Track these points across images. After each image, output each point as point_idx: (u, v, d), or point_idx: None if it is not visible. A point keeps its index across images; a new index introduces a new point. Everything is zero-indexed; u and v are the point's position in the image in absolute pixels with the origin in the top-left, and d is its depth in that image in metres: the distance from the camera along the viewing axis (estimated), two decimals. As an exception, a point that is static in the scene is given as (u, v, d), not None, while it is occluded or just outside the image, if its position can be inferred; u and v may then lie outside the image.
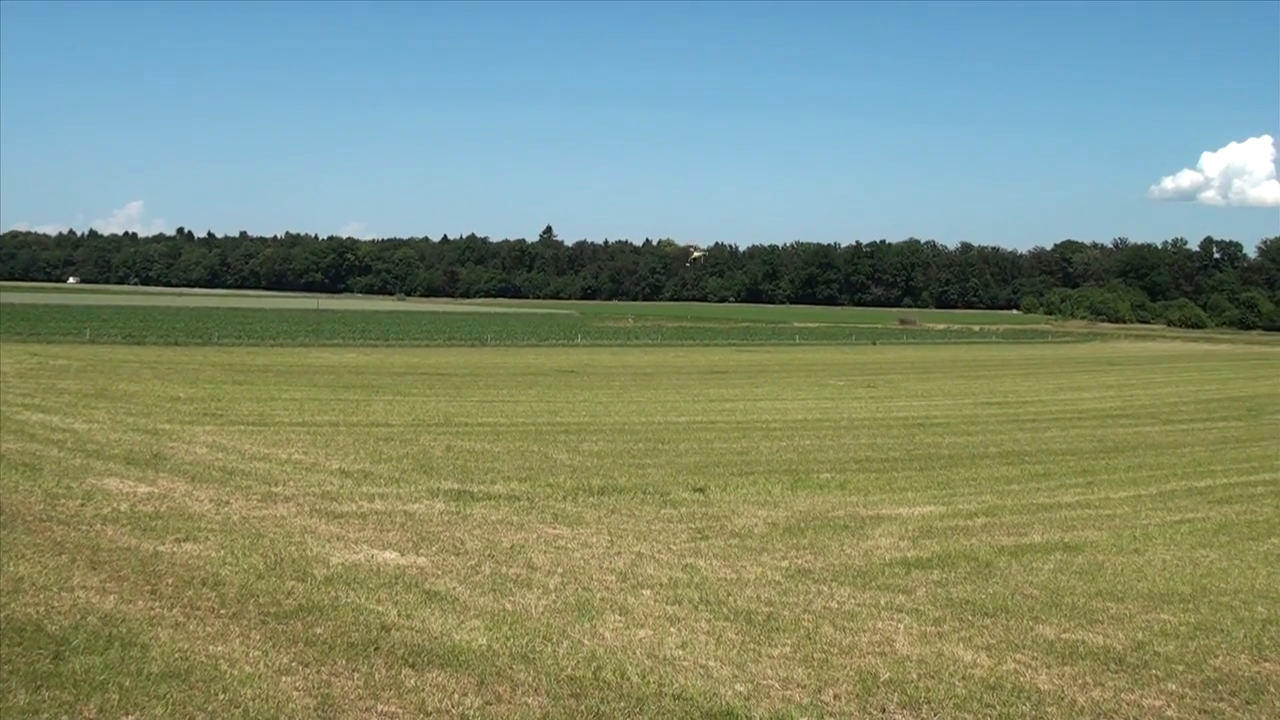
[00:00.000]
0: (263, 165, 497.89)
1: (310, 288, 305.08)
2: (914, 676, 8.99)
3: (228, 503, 15.78)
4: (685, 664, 9.03)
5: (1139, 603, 11.97)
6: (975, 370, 68.59)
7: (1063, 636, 10.35)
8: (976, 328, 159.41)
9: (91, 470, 18.24)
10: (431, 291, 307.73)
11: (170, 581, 10.90)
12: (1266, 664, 9.82)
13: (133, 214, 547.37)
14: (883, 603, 11.41)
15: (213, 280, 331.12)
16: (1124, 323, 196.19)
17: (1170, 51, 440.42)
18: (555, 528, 15.03)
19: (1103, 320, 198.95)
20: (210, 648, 8.87)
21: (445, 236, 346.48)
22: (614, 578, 12.09)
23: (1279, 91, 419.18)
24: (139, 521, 14.00)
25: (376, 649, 9.02)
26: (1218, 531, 17.23)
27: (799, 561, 13.47)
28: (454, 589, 11.16)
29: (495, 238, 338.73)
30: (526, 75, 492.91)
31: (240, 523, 14.30)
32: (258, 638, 9.18)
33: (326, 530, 14.07)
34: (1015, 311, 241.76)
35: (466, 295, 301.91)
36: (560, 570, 12.33)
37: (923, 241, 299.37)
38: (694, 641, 9.65)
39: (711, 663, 9.09)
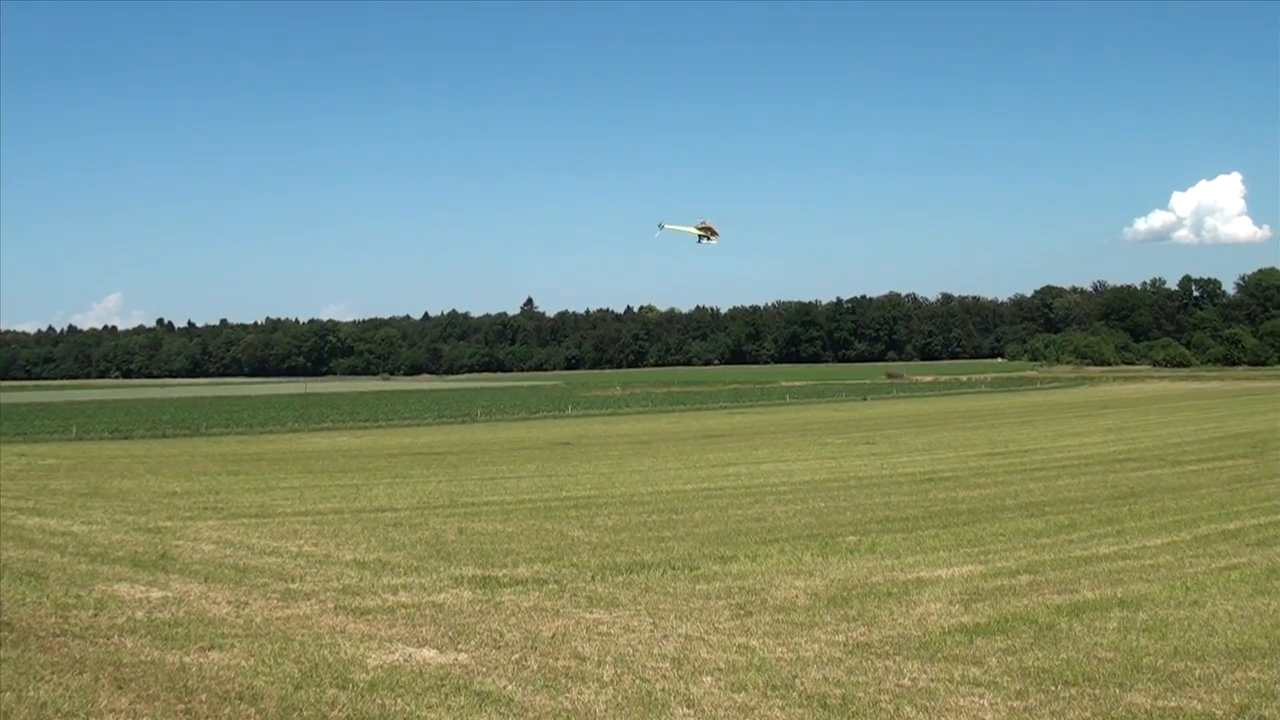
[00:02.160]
0: (241, 252, 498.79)
1: (293, 372, 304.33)
2: (1019, 760, 8.40)
3: (247, 604, 15.12)
4: (774, 761, 8.43)
5: (1220, 661, 11.41)
6: (971, 421, 68.20)
7: (1158, 705, 9.78)
8: (964, 378, 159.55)
9: (99, 576, 17.55)
10: (415, 369, 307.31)
11: (204, 699, 10.25)
12: (1378, 722, 9.26)
13: (111, 307, 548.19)
14: (956, 676, 10.82)
15: (195, 369, 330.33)
16: (1109, 365, 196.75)
17: (1136, 93, 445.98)
18: (592, 612, 14.41)
19: (1088, 364, 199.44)
20: (261, 773, 8.24)
21: (426, 314, 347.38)
22: (668, 664, 11.48)
23: (1245, 129, 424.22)
24: (158, 630, 13.34)
25: (441, 764, 8.41)
26: (1269, 576, 16.68)
27: (854, 635, 12.88)
28: (505, 688, 10.54)
29: (476, 312, 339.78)
30: (500, 150, 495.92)
31: (264, 625, 13.64)
32: (311, 759, 8.56)
33: (356, 629, 13.42)
34: (1000, 359, 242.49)
35: (450, 371, 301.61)
36: (610, 659, 11.71)
37: (903, 294, 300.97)
38: (775, 734, 9.05)
39: (801, 758, 8.49)
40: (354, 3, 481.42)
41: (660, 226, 59.73)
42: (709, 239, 59.95)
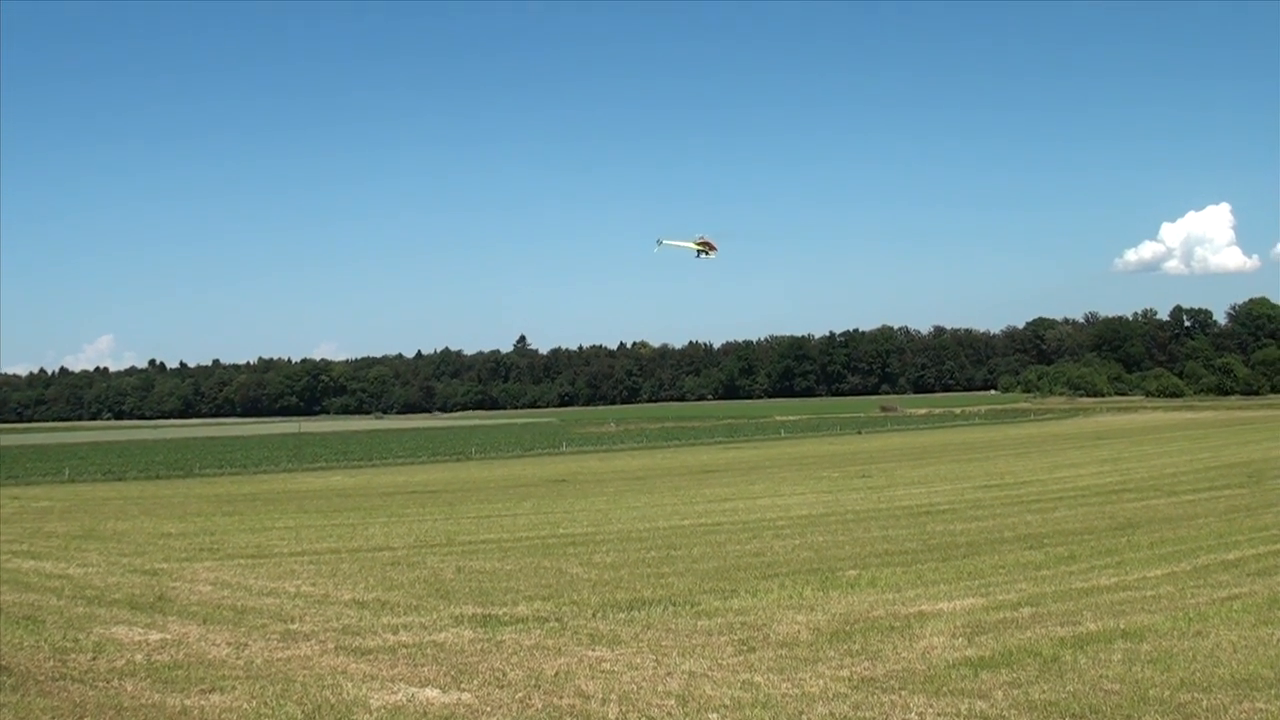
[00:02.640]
0: (233, 292, 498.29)
1: (285, 411, 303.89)
2: (1030, 795, 8.35)
3: (246, 645, 15.02)
4: (785, 799, 8.37)
5: (1228, 692, 11.37)
6: (966, 453, 68.18)
7: (1167, 737, 9.72)
8: (958, 410, 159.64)
9: (96, 619, 17.46)
10: (408, 408, 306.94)
11: (208, 742, 10.18)
12: (1389, 753, 9.22)
13: (103, 349, 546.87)
14: (963, 710, 10.79)
15: (187, 410, 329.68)
16: (1102, 396, 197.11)
17: (1125, 125, 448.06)
18: (594, 649, 14.35)
19: (1081, 395, 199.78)
20: (269, 817, 8.16)
21: (419, 352, 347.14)
22: (673, 702, 11.43)
23: (1233, 160, 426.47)
24: (158, 673, 13.25)
25: (452, 806, 8.34)
26: (1271, 607, 16.65)
27: (858, 670, 12.83)
28: (510, 728, 10.47)
29: (469, 350, 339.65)
30: (492, 187, 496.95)
31: (265, 667, 13.56)
32: (318, 802, 8.48)
33: (357, 669, 13.34)
34: (993, 391, 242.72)
35: (444, 409, 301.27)
36: (615, 697, 11.66)
37: (896, 328, 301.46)
38: (784, 771, 8.99)
39: (812, 795, 8.43)
40: (343, 41, 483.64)
41: (659, 242, 59.93)
42: (707, 253, 60.27)
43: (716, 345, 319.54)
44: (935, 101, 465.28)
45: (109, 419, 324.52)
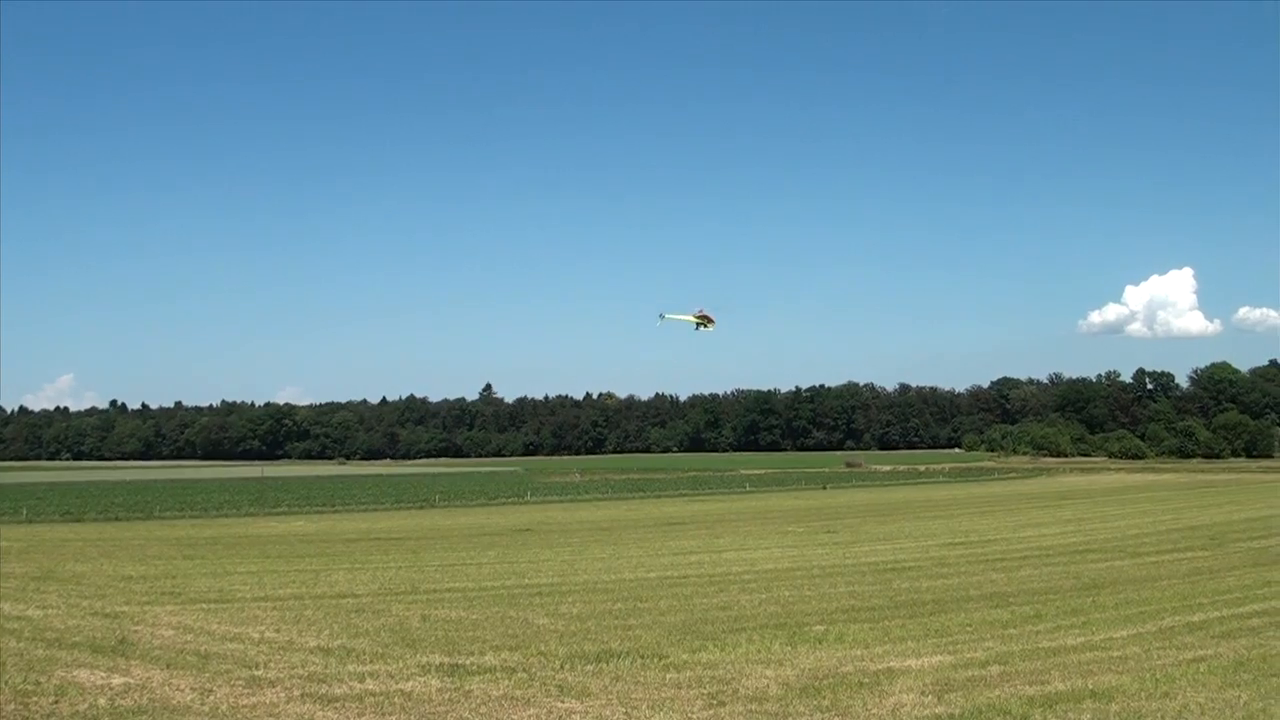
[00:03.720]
0: (196, 334, 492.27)
1: (247, 455, 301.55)
2: None
3: (211, 691, 14.86)
4: None
5: (1196, 754, 11.41)
6: (931, 510, 68.32)
7: (1138, 798, 9.75)
8: (923, 467, 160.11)
9: (58, 662, 17.22)
10: (372, 454, 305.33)
11: (174, 788, 10.04)
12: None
13: (63, 388, 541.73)
14: (935, 768, 10.76)
15: (147, 452, 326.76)
16: (1066, 456, 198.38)
17: (1089, 189, 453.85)
18: (564, 701, 14.28)
19: (1045, 454, 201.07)
20: None
21: (384, 398, 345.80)
22: (645, 756, 11.36)
23: (1196, 225, 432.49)
24: (121, 718, 13.09)
25: None
26: (1236, 669, 16.77)
27: (828, 726, 12.80)
28: (481, 779, 10.38)
29: (434, 397, 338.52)
30: (460, 237, 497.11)
31: (230, 714, 13.43)
32: None
33: (324, 717, 13.25)
34: (957, 450, 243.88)
35: (407, 456, 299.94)
36: (585, 750, 11.58)
37: (861, 384, 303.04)
38: (758, 826, 8.95)
39: None
40: (307, 87, 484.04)
41: (661, 317, 61.12)
42: (706, 326, 61.49)
43: (683, 398, 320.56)
44: (904, 163, 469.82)
45: (68, 459, 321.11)
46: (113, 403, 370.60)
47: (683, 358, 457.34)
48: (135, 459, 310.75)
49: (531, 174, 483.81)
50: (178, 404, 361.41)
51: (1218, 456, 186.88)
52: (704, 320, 61.79)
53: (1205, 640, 19.76)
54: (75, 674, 16.10)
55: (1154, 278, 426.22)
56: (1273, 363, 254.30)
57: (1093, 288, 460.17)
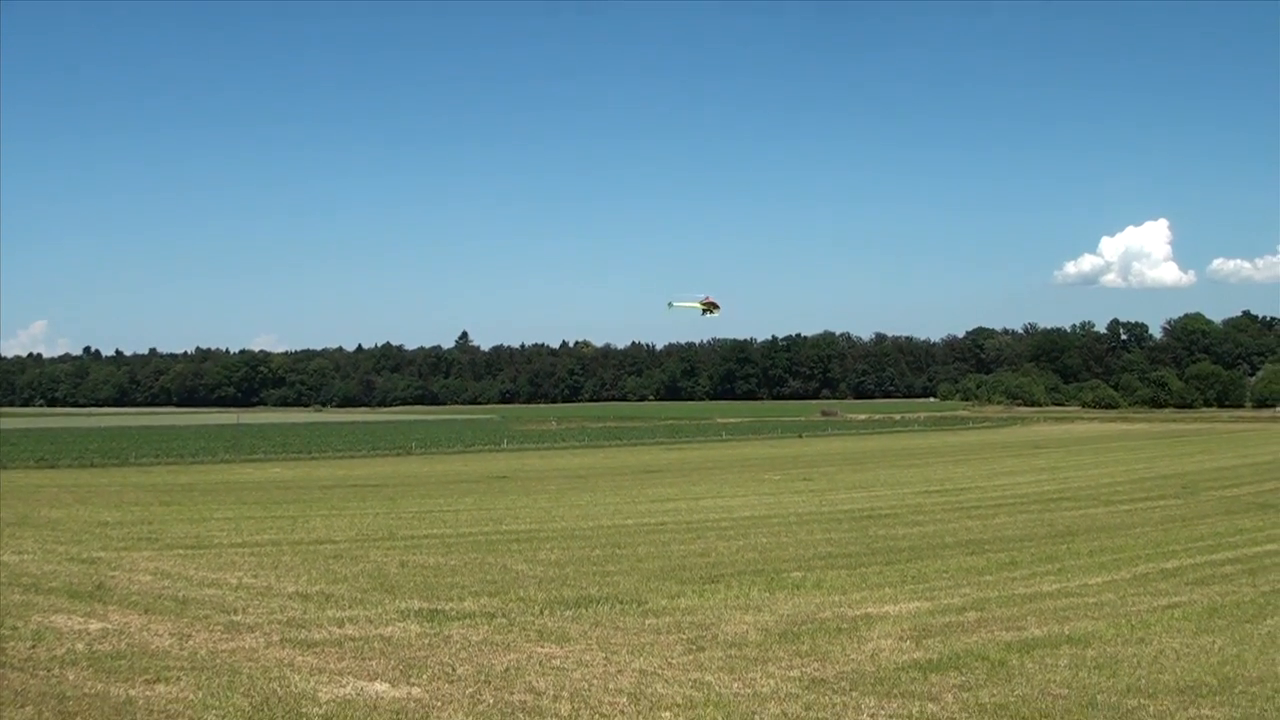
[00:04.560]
0: (170, 281, 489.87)
1: (223, 402, 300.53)
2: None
3: (190, 636, 14.80)
4: (742, 797, 8.37)
5: (1172, 698, 11.53)
6: (906, 459, 68.73)
7: (1116, 741, 9.83)
8: (898, 416, 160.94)
9: (35, 607, 17.12)
10: (348, 401, 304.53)
11: (153, 733, 9.99)
12: (1333, 760, 9.38)
13: (37, 334, 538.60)
14: (914, 713, 10.85)
15: (122, 399, 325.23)
16: (1039, 405, 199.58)
17: (1066, 139, 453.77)
18: (544, 646, 14.29)
19: (1019, 404, 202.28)
20: (221, 810, 8.02)
21: (360, 346, 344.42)
22: (625, 699, 11.39)
23: (1172, 176, 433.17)
24: (100, 663, 13.02)
25: (405, 801, 8.24)
26: (1210, 615, 16.96)
27: (808, 670, 12.88)
28: (462, 723, 10.38)
29: (410, 345, 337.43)
30: (434, 181, 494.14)
31: (209, 658, 13.36)
32: (270, 795, 8.35)
33: (304, 662, 13.19)
34: (932, 399, 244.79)
35: (383, 404, 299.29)
36: (566, 694, 11.60)
37: (838, 334, 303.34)
38: (740, 770, 8.98)
39: (769, 794, 8.43)
40: (287, 32, 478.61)
41: (670, 304, 63.22)
42: (712, 312, 63.15)
43: (659, 346, 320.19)
44: (882, 112, 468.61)
45: (41, 406, 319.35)
46: (86, 349, 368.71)
47: (659, 306, 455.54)
48: (110, 406, 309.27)
49: (510, 120, 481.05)
50: (152, 351, 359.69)
51: (1190, 406, 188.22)
52: (710, 306, 63.29)
53: (1179, 587, 19.95)
54: (52, 619, 16.02)
55: (1129, 229, 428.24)
56: (1245, 314, 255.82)
57: (1068, 238, 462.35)
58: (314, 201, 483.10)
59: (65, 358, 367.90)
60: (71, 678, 12.28)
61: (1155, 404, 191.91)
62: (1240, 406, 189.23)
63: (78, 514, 34.57)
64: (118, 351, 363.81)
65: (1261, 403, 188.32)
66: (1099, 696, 11.56)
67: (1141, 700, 11.42)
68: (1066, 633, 15.20)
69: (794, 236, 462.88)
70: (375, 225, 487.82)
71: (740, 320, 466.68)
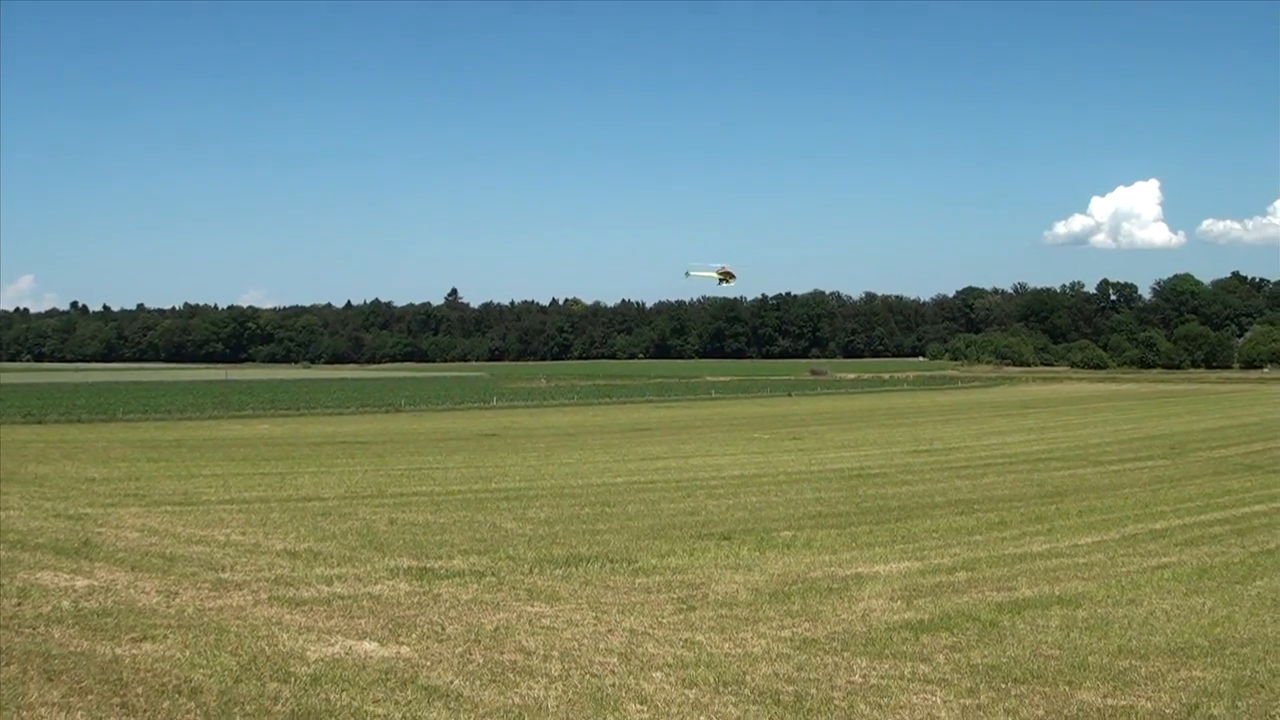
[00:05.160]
0: (158, 236, 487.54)
1: (211, 358, 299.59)
2: (979, 759, 8.36)
3: (177, 593, 14.71)
4: (734, 759, 8.31)
5: (1164, 660, 11.50)
6: (895, 418, 68.76)
7: (1108, 703, 9.82)
8: (887, 376, 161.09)
9: (20, 563, 17.00)
10: (336, 358, 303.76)
11: (140, 692, 9.89)
12: (1326, 722, 9.36)
13: (23, 289, 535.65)
14: (906, 673, 10.80)
15: (109, 354, 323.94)
16: (1028, 365, 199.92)
17: (1058, 99, 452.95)
18: (533, 605, 14.22)
19: (1008, 364, 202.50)
20: (207, 770, 7.94)
21: (349, 302, 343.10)
22: (616, 659, 11.33)
23: (1163, 137, 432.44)
24: (86, 620, 12.92)
25: (395, 761, 8.17)
26: (1200, 576, 16.95)
27: (799, 630, 12.84)
28: (452, 683, 10.30)
29: (399, 302, 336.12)
30: (424, 136, 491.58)
31: (196, 616, 13.27)
32: (258, 755, 8.27)
33: (292, 620, 13.10)
34: (921, 358, 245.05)
35: (372, 361, 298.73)
36: (556, 654, 11.53)
37: (827, 293, 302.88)
38: (732, 731, 8.93)
39: (761, 756, 8.38)
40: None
41: (687, 273, 64.89)
42: (728, 281, 64.53)
43: (649, 304, 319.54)
44: (873, 71, 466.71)
45: (28, 361, 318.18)
46: (74, 304, 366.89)
47: (649, 263, 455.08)
48: (97, 361, 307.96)
49: (501, 76, 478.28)
50: (140, 306, 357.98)
51: (1178, 367, 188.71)
52: (726, 275, 64.64)
53: (1168, 548, 19.95)
54: (39, 576, 15.90)
55: (1120, 189, 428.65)
56: (1234, 275, 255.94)
57: (1059, 198, 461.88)
58: (304, 156, 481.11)
59: (52, 313, 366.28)
60: (57, 635, 12.18)
61: (1144, 364, 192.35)
62: (1228, 367, 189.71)
63: (64, 470, 34.42)
64: (105, 307, 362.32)
65: (1249, 364, 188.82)
66: (1090, 658, 11.53)
67: (1133, 661, 11.39)
68: (1057, 593, 15.19)
69: (784, 194, 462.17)
70: (365, 180, 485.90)
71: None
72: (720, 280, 65.26)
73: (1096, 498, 27.88)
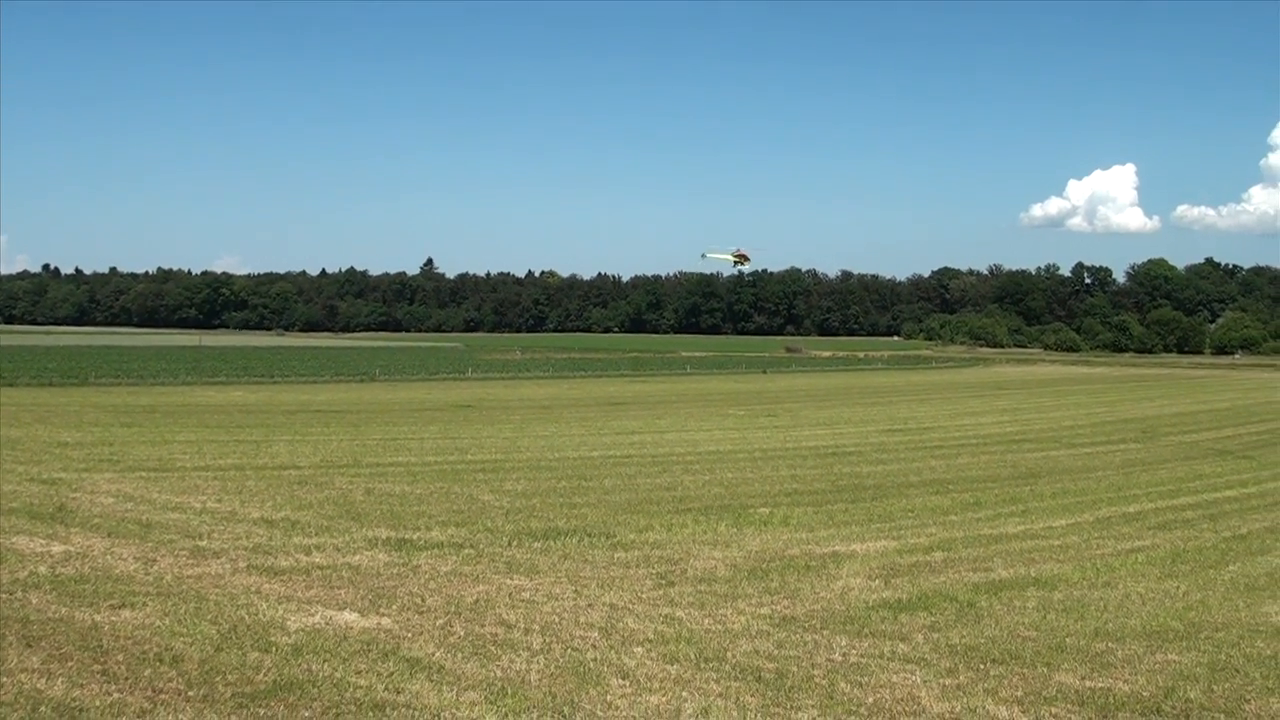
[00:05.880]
0: (132, 199, 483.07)
1: (184, 324, 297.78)
2: (959, 739, 8.42)
3: (155, 561, 14.63)
4: (719, 736, 8.35)
5: (1140, 643, 11.61)
6: (869, 397, 68.96)
7: (1086, 685, 9.90)
8: (862, 354, 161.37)
9: (-6, 528, 16.87)
10: (310, 326, 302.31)
11: (120, 659, 9.84)
12: (1301, 707, 9.47)
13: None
14: (886, 652, 10.86)
15: (81, 318, 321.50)
16: (1002, 347, 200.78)
17: (1037, 81, 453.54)
18: (513, 578, 14.22)
19: (982, 345, 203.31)
20: (191, 739, 7.91)
21: (324, 270, 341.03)
22: (597, 634, 11.34)
23: (1141, 121, 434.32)
24: (64, 586, 12.84)
25: (380, 734, 8.16)
26: (1174, 560, 17.11)
27: (778, 608, 12.89)
28: (434, 654, 10.29)
29: (375, 271, 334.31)
30: (403, 106, 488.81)
31: (175, 584, 13.21)
32: (242, 725, 8.24)
33: (271, 589, 13.06)
34: (896, 338, 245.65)
35: (346, 329, 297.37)
36: (537, 627, 11.54)
37: (804, 270, 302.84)
38: (714, 708, 8.97)
39: (745, 733, 8.41)
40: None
41: (703, 255, 67.12)
42: (743, 264, 66.36)
43: (625, 278, 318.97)
44: (852, 52, 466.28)
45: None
46: (45, 267, 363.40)
47: (625, 238, 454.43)
48: (68, 324, 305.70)
49: (481, 42, 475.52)
50: (112, 270, 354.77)
51: (1150, 351, 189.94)
52: (741, 258, 66.13)
53: (1142, 531, 20.13)
54: (13, 540, 15.78)
55: (1096, 173, 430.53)
56: (1208, 261, 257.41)
57: (1036, 181, 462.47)
58: (279, 122, 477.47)
59: (23, 274, 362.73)
60: (35, 601, 12.10)
61: (1116, 348, 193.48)
62: (1200, 353, 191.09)
63: (37, 433, 34.14)
64: (77, 270, 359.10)
65: (1221, 349, 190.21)
66: (1067, 640, 11.63)
67: (1110, 644, 11.49)
68: (1033, 575, 15.30)
69: (761, 171, 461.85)
70: (341, 147, 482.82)
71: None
72: (735, 262, 66.34)
73: (1070, 480, 28.08)
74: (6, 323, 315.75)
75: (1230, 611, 13.42)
